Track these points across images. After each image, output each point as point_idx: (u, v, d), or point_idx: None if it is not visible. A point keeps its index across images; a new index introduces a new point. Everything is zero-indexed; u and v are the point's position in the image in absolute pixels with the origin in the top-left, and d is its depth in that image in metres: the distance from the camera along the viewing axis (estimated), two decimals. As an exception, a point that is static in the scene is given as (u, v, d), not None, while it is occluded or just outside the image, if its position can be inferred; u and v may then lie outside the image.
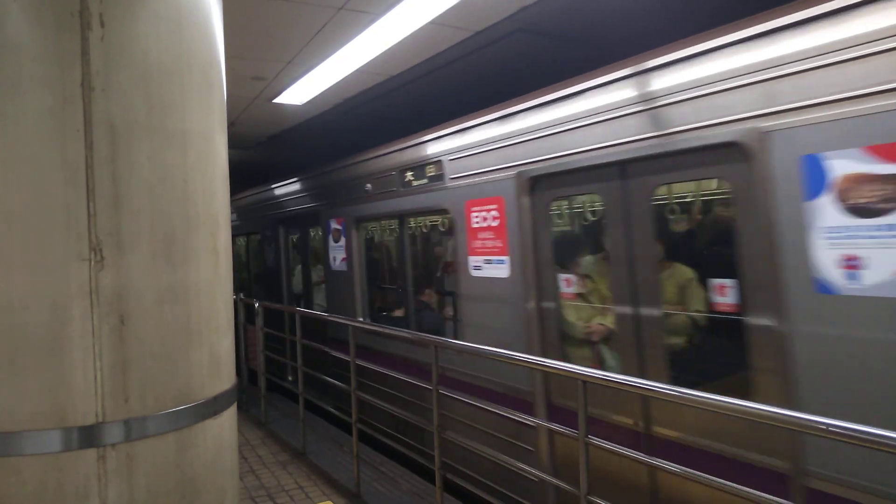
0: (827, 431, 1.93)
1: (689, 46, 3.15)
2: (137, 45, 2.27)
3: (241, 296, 7.75)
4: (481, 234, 4.62)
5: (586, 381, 2.79)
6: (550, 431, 4.04)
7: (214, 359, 2.52)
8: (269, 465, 5.61)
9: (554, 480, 3.13)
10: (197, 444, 2.41)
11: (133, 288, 2.24)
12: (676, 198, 3.59)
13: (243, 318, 7.65)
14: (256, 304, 7.09)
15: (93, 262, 2.16)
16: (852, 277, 2.53)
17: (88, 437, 2.14)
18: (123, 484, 2.19)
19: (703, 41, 3.08)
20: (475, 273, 4.72)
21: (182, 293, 2.38)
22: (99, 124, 2.19)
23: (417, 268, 6.43)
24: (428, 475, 4.72)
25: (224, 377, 2.60)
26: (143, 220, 2.28)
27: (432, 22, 4.51)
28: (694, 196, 3.56)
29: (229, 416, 2.64)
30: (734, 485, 2.23)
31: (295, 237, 8.98)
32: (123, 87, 2.24)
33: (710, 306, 3.32)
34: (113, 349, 2.19)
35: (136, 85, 2.27)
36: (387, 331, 5.24)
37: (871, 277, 2.47)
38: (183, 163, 2.40)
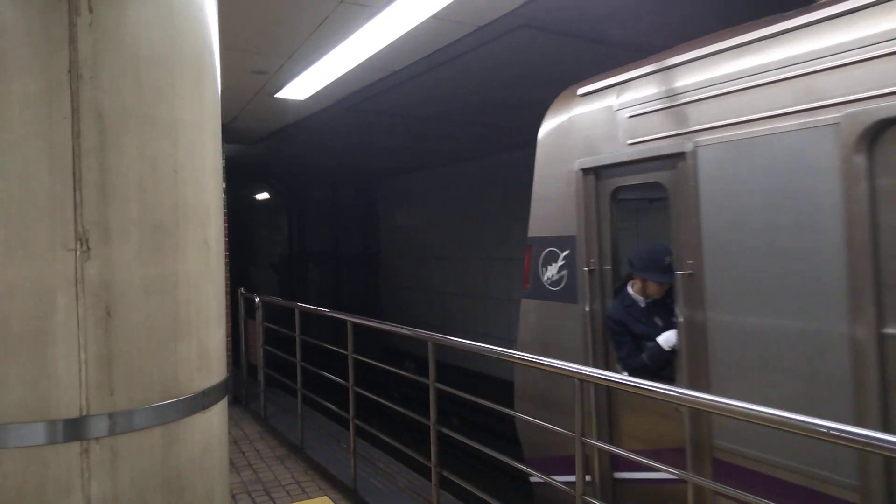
0: (828, 434, 1.90)
1: None
2: (127, 32, 2.23)
3: (242, 290, 7.73)
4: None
5: (583, 381, 2.77)
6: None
7: (204, 352, 2.48)
8: (267, 460, 5.59)
9: (550, 479, 3.08)
10: (184, 439, 2.37)
11: (120, 279, 2.20)
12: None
13: (243, 312, 7.64)
14: (257, 299, 7.07)
15: (78, 252, 2.12)
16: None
17: (72, 430, 2.10)
18: (107, 479, 2.15)
19: None
20: None
21: (170, 285, 2.33)
22: (86, 112, 2.14)
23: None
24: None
25: (214, 371, 2.56)
26: (131, 210, 2.23)
27: (434, 16, 4.46)
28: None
29: (219, 410, 2.60)
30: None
31: None
32: (112, 75, 2.19)
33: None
34: (98, 341, 2.15)
35: (125, 72, 2.22)
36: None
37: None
38: (173, 152, 2.36)
